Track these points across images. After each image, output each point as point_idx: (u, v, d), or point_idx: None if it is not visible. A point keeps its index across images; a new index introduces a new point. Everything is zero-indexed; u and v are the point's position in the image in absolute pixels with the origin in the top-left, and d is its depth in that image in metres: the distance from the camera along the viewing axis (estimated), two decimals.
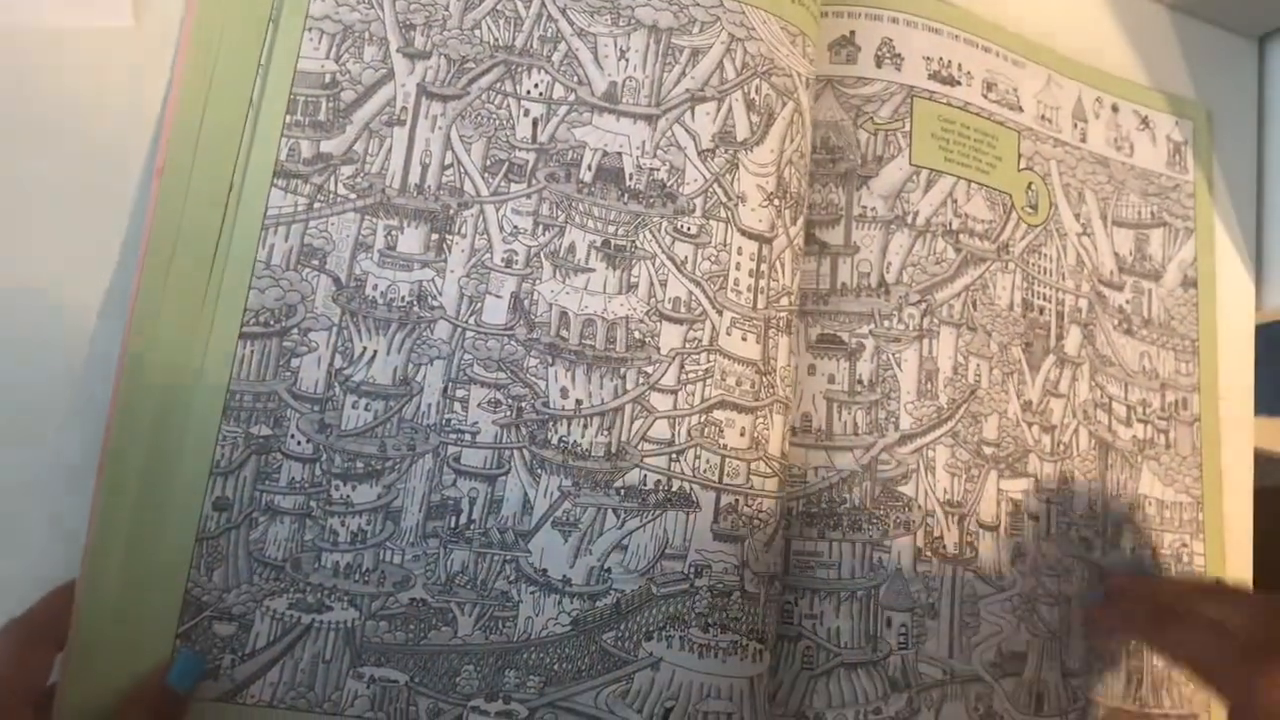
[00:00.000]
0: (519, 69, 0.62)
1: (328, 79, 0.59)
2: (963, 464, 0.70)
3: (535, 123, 0.61)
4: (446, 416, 0.58)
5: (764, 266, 0.64)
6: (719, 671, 0.59)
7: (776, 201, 0.65)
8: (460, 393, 0.58)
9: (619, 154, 0.62)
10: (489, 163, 0.60)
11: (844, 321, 0.69)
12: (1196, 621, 0.65)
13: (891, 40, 0.74)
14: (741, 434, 0.62)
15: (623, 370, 0.60)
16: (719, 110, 0.64)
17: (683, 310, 0.61)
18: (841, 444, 0.68)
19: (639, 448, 0.60)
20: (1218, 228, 0.87)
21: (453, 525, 0.57)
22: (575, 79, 0.62)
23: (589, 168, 0.61)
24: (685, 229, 0.62)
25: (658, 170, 0.62)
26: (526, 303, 0.60)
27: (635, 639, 0.58)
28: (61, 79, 0.60)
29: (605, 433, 0.59)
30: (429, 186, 0.59)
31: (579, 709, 0.57)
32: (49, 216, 0.59)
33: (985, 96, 0.76)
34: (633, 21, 0.63)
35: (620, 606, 0.58)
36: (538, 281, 0.60)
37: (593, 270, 0.61)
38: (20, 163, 0.59)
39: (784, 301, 0.65)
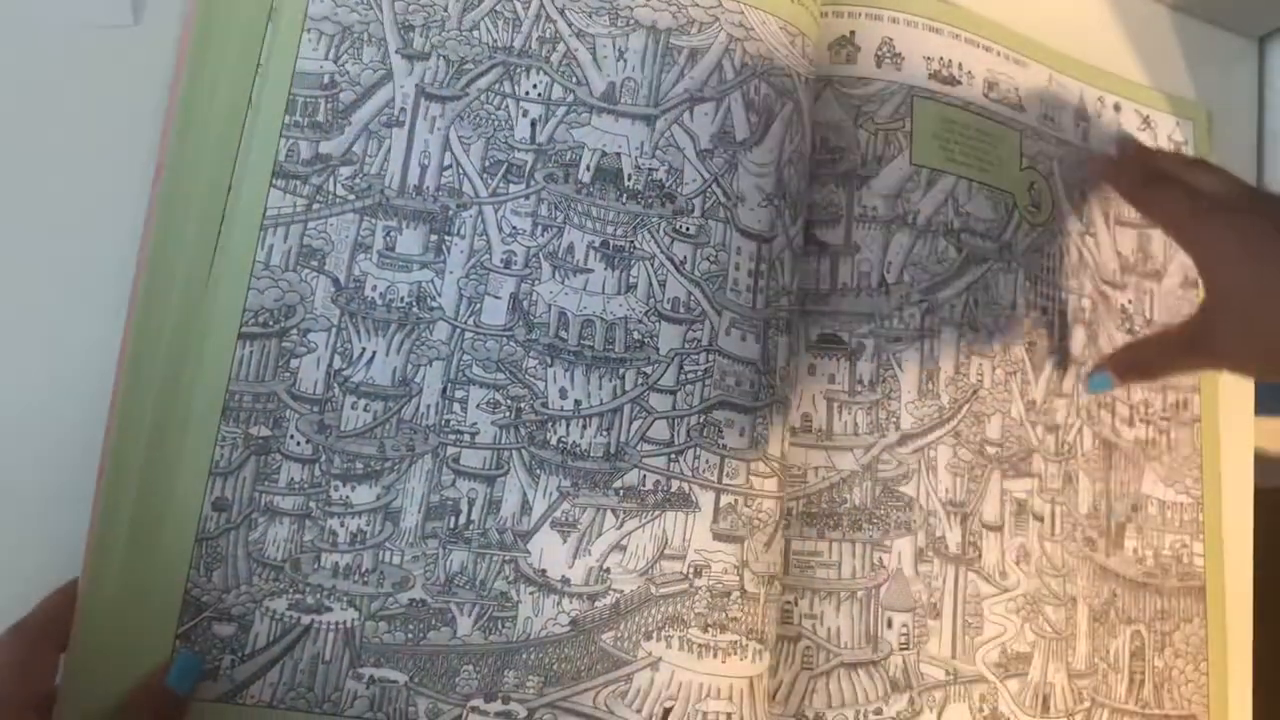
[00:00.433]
0: (517, 70, 0.62)
1: (326, 80, 0.59)
2: (965, 464, 0.70)
3: (534, 123, 0.61)
4: (445, 417, 0.58)
5: (763, 266, 0.64)
6: (718, 672, 0.59)
7: (776, 201, 0.65)
8: (459, 393, 0.58)
9: (618, 154, 0.62)
10: (488, 163, 0.60)
11: (844, 321, 0.69)
12: (1175, 183, 0.68)
13: (891, 40, 0.74)
14: (741, 434, 0.62)
15: (621, 370, 0.60)
16: (718, 110, 0.64)
17: (682, 310, 0.61)
18: (841, 444, 0.68)
19: (638, 448, 0.60)
20: None
21: (452, 526, 0.57)
22: (574, 80, 0.62)
23: (588, 168, 0.61)
24: (684, 229, 0.62)
25: (656, 170, 0.62)
26: (525, 303, 0.60)
27: (634, 639, 0.58)
28: (62, 79, 0.60)
29: (604, 433, 0.59)
30: (428, 187, 0.59)
31: (578, 709, 0.57)
32: (49, 216, 0.59)
33: (987, 96, 0.76)
34: (631, 22, 0.63)
35: (619, 607, 0.58)
36: (537, 282, 0.60)
37: (591, 271, 0.61)
38: (20, 162, 0.59)
39: (783, 301, 0.65)
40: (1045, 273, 0.76)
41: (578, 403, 0.60)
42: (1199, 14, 0.90)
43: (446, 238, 0.59)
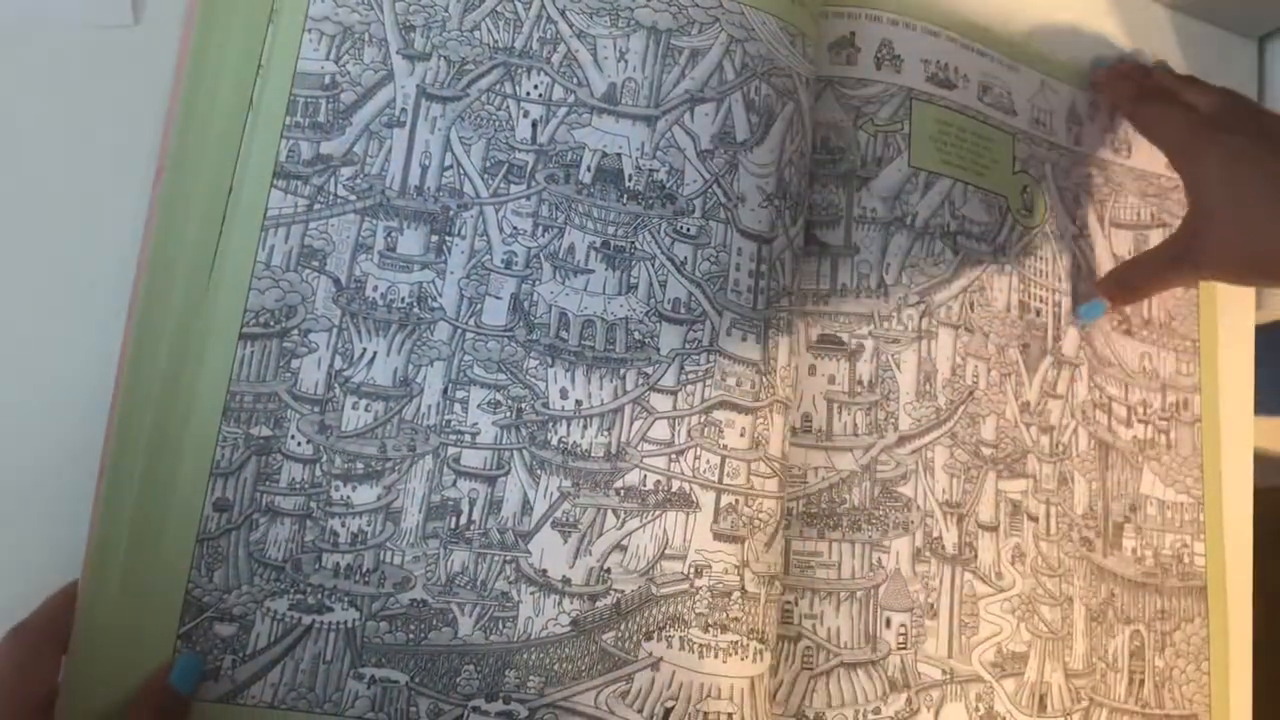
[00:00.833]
0: (518, 70, 0.62)
1: (327, 80, 0.59)
2: (961, 465, 0.70)
3: (535, 124, 0.61)
4: (446, 417, 0.58)
5: (764, 267, 0.64)
6: (719, 672, 0.59)
7: (776, 202, 0.65)
8: (460, 394, 0.58)
9: (618, 155, 0.62)
10: (488, 164, 0.60)
11: (844, 322, 0.69)
12: (1173, 101, 0.72)
13: (891, 42, 0.74)
14: (741, 434, 0.62)
15: (622, 371, 0.60)
16: (718, 111, 0.64)
17: (682, 311, 0.61)
18: (841, 444, 0.68)
19: (639, 448, 0.60)
20: None
21: (453, 526, 0.57)
22: (575, 80, 0.62)
23: (588, 169, 0.62)
24: (685, 229, 0.62)
25: (657, 171, 0.62)
26: (526, 304, 0.60)
27: (635, 639, 0.58)
28: (62, 79, 0.60)
29: (605, 433, 0.60)
30: (429, 188, 0.59)
31: (579, 709, 0.57)
32: (49, 216, 0.59)
33: (981, 100, 0.76)
34: (632, 23, 0.63)
35: (620, 607, 0.58)
36: (537, 283, 0.60)
37: (592, 271, 0.61)
38: (20, 162, 0.59)
39: (784, 302, 0.65)
40: (1039, 275, 0.76)
41: (578, 403, 0.60)
42: (1199, 14, 0.90)
43: (447, 238, 0.59)
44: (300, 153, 0.58)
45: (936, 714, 0.67)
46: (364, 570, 0.56)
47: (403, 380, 0.58)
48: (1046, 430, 0.76)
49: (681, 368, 0.61)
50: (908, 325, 0.70)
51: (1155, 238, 0.83)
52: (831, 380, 0.69)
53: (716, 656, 0.59)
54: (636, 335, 0.61)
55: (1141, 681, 0.76)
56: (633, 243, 0.61)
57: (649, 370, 0.60)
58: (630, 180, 0.62)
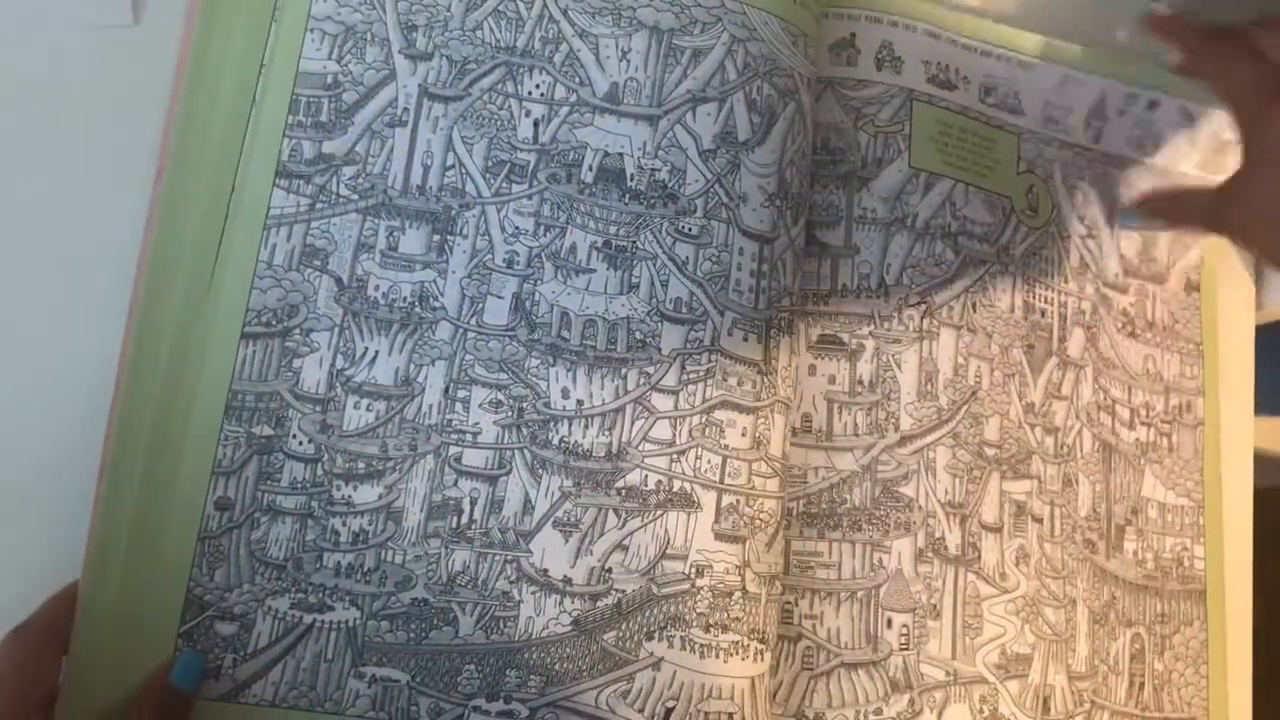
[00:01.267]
0: (520, 70, 0.62)
1: (329, 80, 0.59)
2: (964, 465, 0.70)
3: (537, 124, 0.61)
4: (448, 417, 0.58)
5: (765, 267, 0.64)
6: (720, 672, 0.59)
7: (778, 202, 0.65)
8: (462, 393, 0.58)
9: (620, 155, 0.62)
10: (490, 163, 0.60)
11: (844, 322, 0.69)
12: (1246, 49, 0.64)
13: (891, 44, 0.74)
14: (743, 434, 0.62)
15: (624, 370, 0.60)
16: (720, 111, 0.64)
17: (684, 310, 0.61)
18: (841, 444, 0.68)
19: (640, 448, 0.60)
20: None
21: (454, 525, 0.57)
22: (577, 80, 0.62)
23: (590, 168, 0.62)
24: (686, 229, 0.62)
25: (659, 171, 0.62)
26: (528, 303, 0.60)
27: (636, 639, 0.58)
28: (62, 79, 0.60)
29: (606, 433, 0.60)
30: (430, 187, 0.59)
31: (580, 709, 0.57)
32: (49, 216, 0.59)
33: (983, 101, 0.76)
34: (634, 22, 0.63)
35: (621, 606, 0.58)
36: (539, 282, 0.60)
37: (594, 271, 0.61)
38: (21, 163, 0.59)
39: (785, 302, 0.65)
40: (1044, 275, 0.76)
41: (580, 403, 0.60)
42: (1198, 14, 0.90)
43: (449, 238, 0.59)
44: (302, 152, 0.58)
45: (940, 715, 0.66)
46: (365, 569, 0.56)
47: (404, 380, 0.58)
48: (1051, 431, 0.75)
49: (683, 367, 0.61)
50: (909, 325, 0.70)
51: (1163, 240, 0.82)
52: (832, 380, 0.69)
53: (717, 656, 0.59)
54: (638, 335, 0.61)
55: (1142, 684, 0.75)
56: (634, 242, 0.61)
57: (650, 370, 0.60)
58: (632, 180, 0.62)
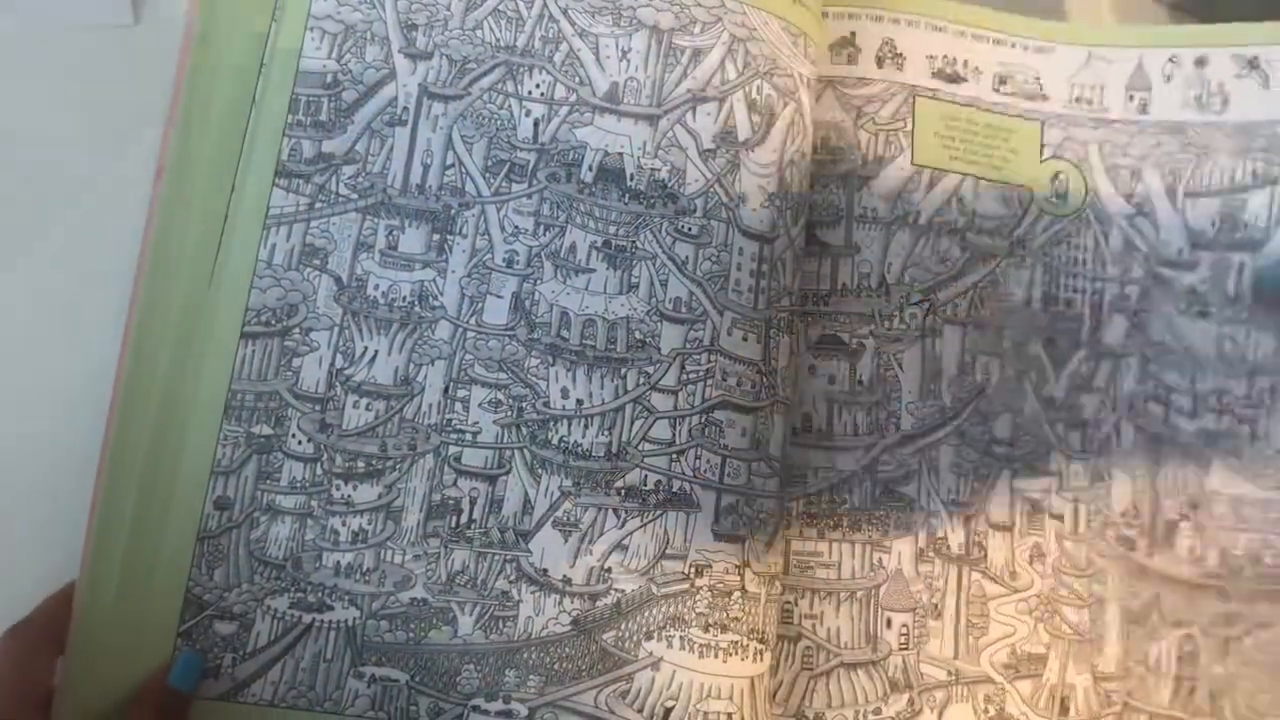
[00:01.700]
0: (520, 69, 0.61)
1: (329, 79, 0.59)
2: (970, 464, 0.70)
3: (536, 123, 0.61)
4: (447, 416, 0.58)
5: (765, 267, 0.64)
6: (719, 672, 0.59)
7: (778, 202, 0.64)
8: (461, 393, 0.58)
9: (620, 154, 0.62)
10: (490, 163, 0.60)
11: (844, 322, 0.69)
12: None
13: (893, 40, 0.73)
14: (742, 434, 0.62)
15: (623, 370, 0.60)
16: (720, 111, 0.64)
17: (684, 310, 0.61)
18: (841, 444, 0.68)
19: (639, 448, 0.60)
20: None
21: (453, 525, 0.57)
22: (577, 79, 0.62)
23: (590, 168, 0.61)
24: (686, 229, 0.62)
25: (659, 170, 0.62)
26: (527, 303, 0.60)
27: (636, 639, 0.58)
28: (62, 79, 0.60)
29: (606, 433, 0.59)
30: (430, 186, 0.59)
31: (579, 709, 0.57)
32: (49, 216, 0.59)
33: (998, 90, 0.75)
34: (634, 22, 0.63)
35: (620, 606, 0.58)
36: (539, 282, 0.60)
37: (593, 270, 0.61)
38: (20, 162, 0.59)
39: (784, 302, 0.65)
40: (1071, 264, 0.74)
41: (579, 402, 0.59)
42: (1196, 14, 0.90)
43: (449, 237, 0.59)
44: (302, 151, 0.58)
45: (940, 715, 0.66)
46: (364, 569, 0.56)
47: (404, 379, 0.58)
48: (1077, 426, 0.72)
49: (682, 367, 0.61)
50: (910, 324, 0.70)
51: (1256, 200, 0.75)
52: (831, 380, 0.69)
53: (717, 656, 0.59)
54: (638, 335, 0.60)
55: (1193, 689, 0.70)
56: (634, 242, 0.61)
57: (650, 370, 0.60)
58: (632, 179, 0.62)
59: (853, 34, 0.73)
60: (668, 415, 0.60)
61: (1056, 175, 0.74)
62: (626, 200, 0.61)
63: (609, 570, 0.58)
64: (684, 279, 0.61)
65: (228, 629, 0.55)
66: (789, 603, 0.65)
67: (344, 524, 0.56)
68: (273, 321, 0.57)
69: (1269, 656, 0.71)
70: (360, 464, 0.57)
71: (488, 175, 0.60)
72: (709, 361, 0.61)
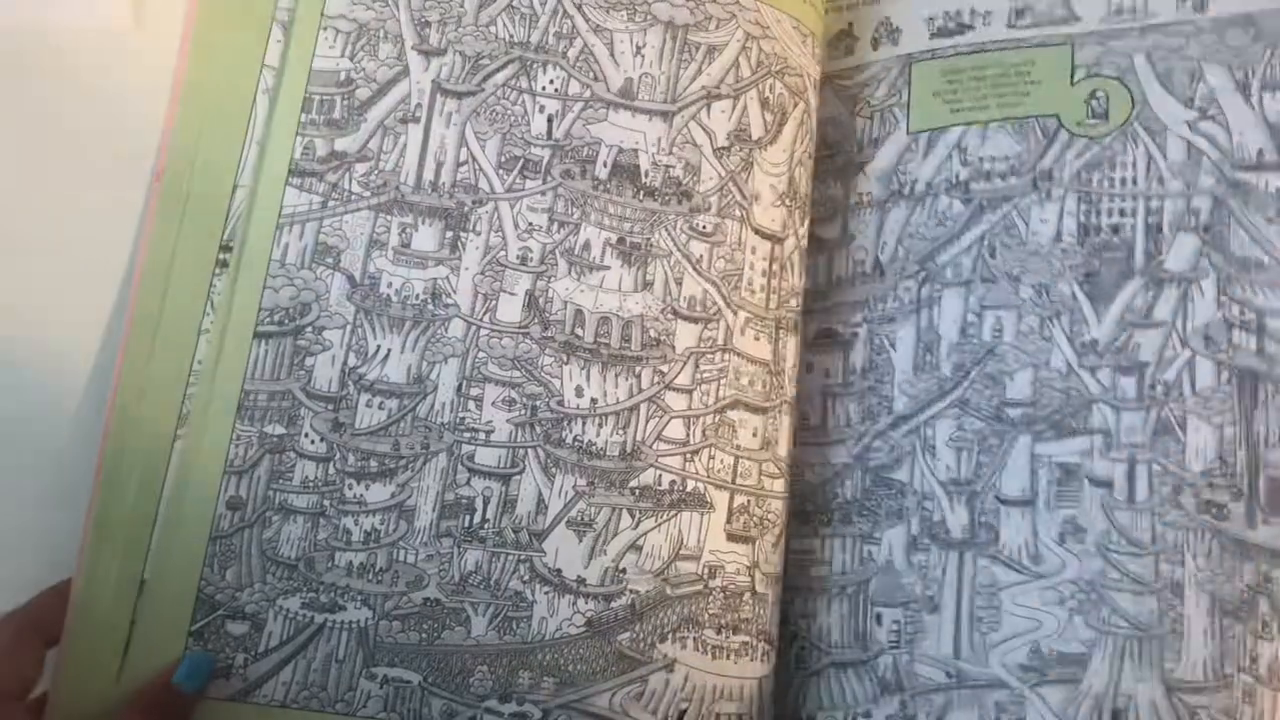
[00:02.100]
0: (534, 65, 0.61)
1: (343, 77, 0.59)
2: (974, 434, 0.65)
3: (550, 119, 0.61)
4: (460, 415, 0.58)
5: (775, 266, 0.64)
6: (731, 673, 0.59)
7: (788, 201, 0.64)
8: (474, 391, 0.58)
9: (635, 151, 0.61)
10: (504, 159, 0.60)
11: (839, 313, 0.68)
12: None
13: (889, 17, 0.72)
14: (754, 434, 0.62)
15: (638, 369, 0.60)
16: (734, 108, 0.63)
17: (698, 309, 0.61)
18: (835, 438, 0.67)
19: (654, 447, 0.60)
20: None
21: (467, 524, 0.57)
22: (591, 75, 0.62)
23: (604, 164, 0.61)
24: (701, 227, 0.62)
25: (673, 167, 0.62)
26: (541, 300, 0.59)
27: (650, 640, 0.58)
28: (61, 79, 0.60)
29: (620, 432, 0.59)
30: (443, 183, 0.59)
31: (594, 711, 0.57)
32: (49, 217, 0.59)
33: (1014, 25, 0.70)
34: (649, 18, 0.63)
35: (635, 607, 0.58)
36: (552, 279, 0.60)
37: (608, 268, 0.61)
38: (20, 163, 0.59)
39: (793, 302, 0.65)
40: (1115, 186, 0.66)
41: (594, 401, 0.59)
42: None
43: (462, 234, 0.59)
44: (315, 150, 0.58)
45: None
46: (377, 569, 0.56)
47: (416, 377, 0.58)
48: (1131, 370, 0.62)
49: (697, 366, 0.61)
50: (904, 299, 0.68)
51: None
52: (827, 374, 0.68)
53: (729, 658, 0.59)
54: (652, 333, 0.60)
55: None
56: (649, 239, 0.61)
57: (664, 368, 0.60)
58: (646, 176, 0.61)
59: (850, 25, 0.73)
60: (682, 414, 0.60)
61: (1093, 94, 0.68)
62: (641, 197, 0.61)
63: (623, 571, 0.58)
64: (698, 277, 0.61)
65: (240, 629, 0.54)
66: (786, 602, 0.65)
67: (356, 524, 0.56)
68: (286, 321, 0.56)
69: None
70: (373, 463, 0.57)
71: (501, 172, 0.60)
72: (723, 361, 0.61)
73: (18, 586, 0.54)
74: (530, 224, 0.60)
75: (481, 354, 0.58)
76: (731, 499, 0.61)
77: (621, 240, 0.61)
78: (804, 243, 0.66)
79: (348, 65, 0.59)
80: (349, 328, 0.57)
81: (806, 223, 0.67)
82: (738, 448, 0.61)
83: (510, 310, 0.59)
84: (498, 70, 0.61)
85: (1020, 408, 0.64)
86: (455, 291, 0.59)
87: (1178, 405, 0.61)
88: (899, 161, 0.70)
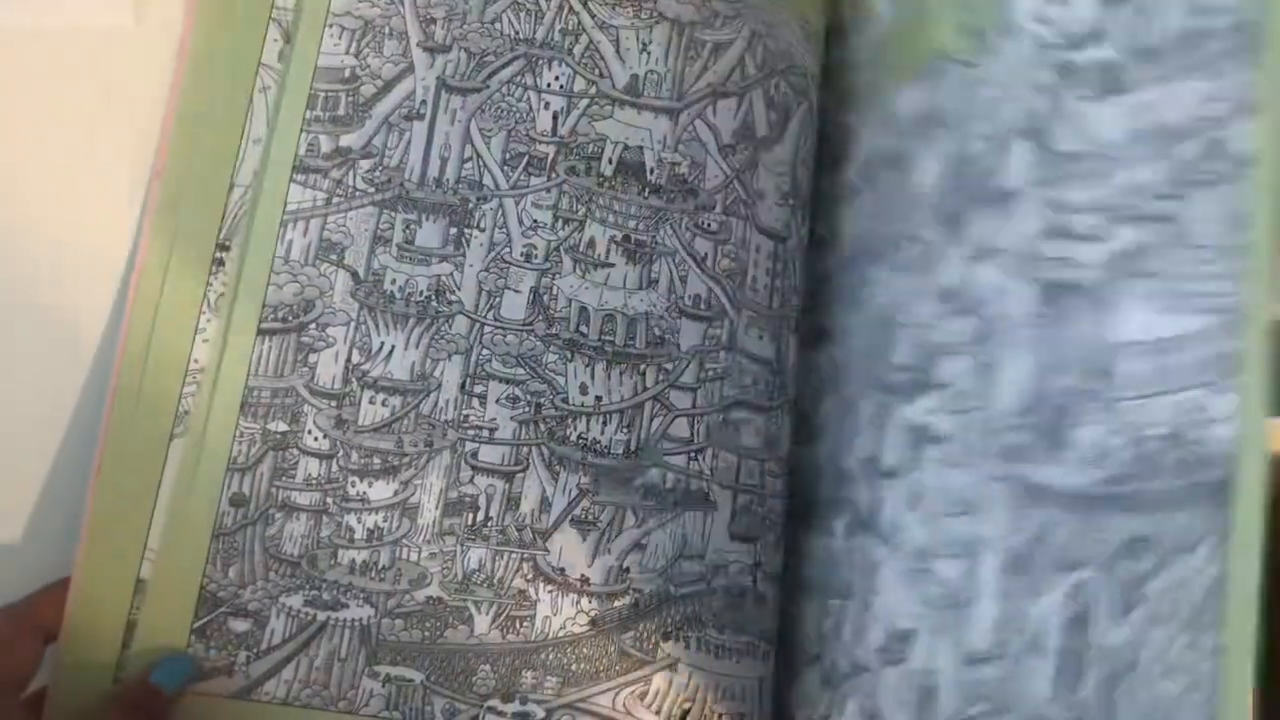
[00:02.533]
0: (539, 62, 0.61)
1: (347, 74, 0.59)
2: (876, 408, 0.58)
3: (555, 116, 0.61)
4: (464, 412, 0.58)
5: (779, 265, 0.63)
6: (734, 672, 0.59)
7: (791, 201, 0.64)
8: (478, 388, 0.58)
9: (640, 148, 0.61)
10: (508, 156, 0.60)
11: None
12: None
13: None
14: (757, 434, 0.62)
15: (642, 367, 0.60)
16: (740, 106, 0.63)
17: (703, 307, 0.61)
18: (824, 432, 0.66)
19: (659, 446, 0.59)
20: None
21: (470, 522, 0.57)
22: (596, 72, 0.62)
23: (610, 161, 0.61)
24: (706, 225, 0.62)
25: (679, 165, 0.62)
26: (545, 298, 0.59)
27: (654, 640, 0.58)
28: (62, 79, 0.60)
29: (625, 430, 0.59)
30: (448, 180, 0.59)
31: (597, 710, 0.57)
32: (48, 216, 0.59)
33: None
34: (655, 14, 0.63)
35: (639, 607, 0.58)
36: (557, 276, 0.60)
37: (613, 265, 0.60)
38: (20, 163, 0.59)
39: (794, 301, 0.65)
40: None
41: (598, 399, 0.59)
42: None
43: (466, 231, 0.59)
44: (320, 146, 0.58)
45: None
46: (380, 567, 0.56)
47: (420, 374, 0.57)
48: (970, 311, 0.52)
49: (701, 365, 0.61)
50: None
51: None
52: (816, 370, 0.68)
53: (731, 657, 0.59)
54: (657, 331, 0.60)
55: (1079, 675, 0.43)
56: (654, 237, 0.61)
57: (669, 367, 0.60)
58: (652, 174, 0.61)
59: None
60: (686, 413, 0.60)
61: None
62: (646, 194, 0.61)
63: (627, 570, 0.58)
64: (703, 275, 0.61)
65: (242, 626, 0.54)
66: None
67: (359, 521, 0.56)
68: (289, 317, 0.56)
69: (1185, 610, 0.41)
70: (376, 460, 0.56)
71: (506, 168, 0.60)
72: (727, 360, 0.61)
73: (18, 586, 0.54)
74: (535, 221, 0.60)
75: (485, 351, 0.58)
76: (735, 498, 0.61)
77: (626, 238, 0.61)
78: (804, 242, 0.66)
79: (353, 62, 0.59)
80: (352, 324, 0.57)
81: (807, 223, 0.67)
82: (741, 447, 0.61)
83: (514, 307, 0.59)
84: (503, 66, 0.61)
85: (901, 371, 0.56)
86: (459, 288, 0.58)
87: (994, 341, 0.50)
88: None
